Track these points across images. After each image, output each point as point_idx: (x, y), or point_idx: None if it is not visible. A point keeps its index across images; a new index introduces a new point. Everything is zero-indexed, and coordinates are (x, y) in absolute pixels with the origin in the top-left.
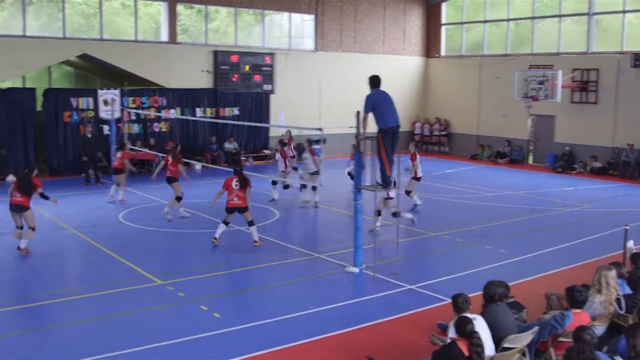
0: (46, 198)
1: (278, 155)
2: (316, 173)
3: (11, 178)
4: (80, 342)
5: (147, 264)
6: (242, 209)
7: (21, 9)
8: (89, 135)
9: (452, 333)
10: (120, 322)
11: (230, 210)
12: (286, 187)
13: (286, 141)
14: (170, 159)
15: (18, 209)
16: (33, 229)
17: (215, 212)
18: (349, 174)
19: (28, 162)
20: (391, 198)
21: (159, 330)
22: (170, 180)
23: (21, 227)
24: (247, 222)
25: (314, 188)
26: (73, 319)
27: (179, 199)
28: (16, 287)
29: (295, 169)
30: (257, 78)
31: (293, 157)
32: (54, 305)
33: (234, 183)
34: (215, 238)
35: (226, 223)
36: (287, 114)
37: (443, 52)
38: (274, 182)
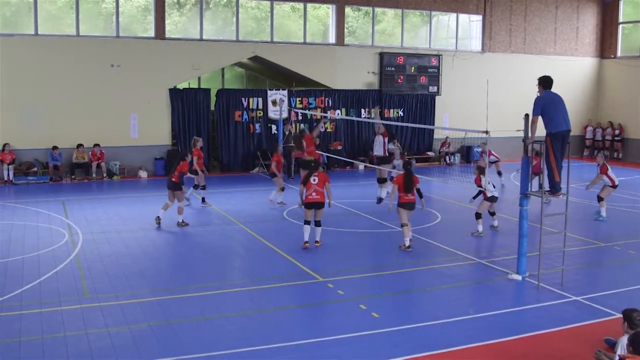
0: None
1: None
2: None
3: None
4: (239, 334)
5: (309, 261)
6: (320, 205)
7: (198, 14)
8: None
9: (621, 350)
10: (280, 315)
11: (309, 206)
12: None
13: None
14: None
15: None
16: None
17: (377, 212)
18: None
19: None
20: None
21: (318, 326)
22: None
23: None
24: (315, 220)
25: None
26: (234, 310)
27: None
28: (184, 276)
29: None
30: (423, 80)
31: None
32: (219, 295)
33: (312, 177)
34: (306, 242)
35: (307, 222)
36: (452, 115)
37: (619, 53)
38: None
